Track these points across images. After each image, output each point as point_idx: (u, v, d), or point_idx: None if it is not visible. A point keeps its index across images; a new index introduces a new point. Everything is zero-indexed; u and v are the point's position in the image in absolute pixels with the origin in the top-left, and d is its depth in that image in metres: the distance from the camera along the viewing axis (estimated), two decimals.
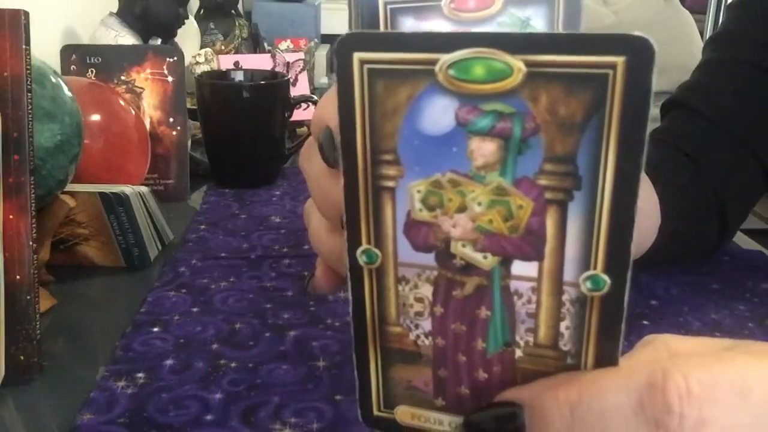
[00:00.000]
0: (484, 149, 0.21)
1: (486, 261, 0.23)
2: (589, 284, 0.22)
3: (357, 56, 0.22)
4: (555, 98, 0.20)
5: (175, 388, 0.44)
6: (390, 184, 0.23)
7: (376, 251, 0.24)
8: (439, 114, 0.21)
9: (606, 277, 0.22)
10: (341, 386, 0.44)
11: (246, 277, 0.59)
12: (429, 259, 0.24)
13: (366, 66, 0.22)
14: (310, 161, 0.31)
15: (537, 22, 0.29)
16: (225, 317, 0.53)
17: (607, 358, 0.23)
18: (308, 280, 0.35)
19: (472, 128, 0.21)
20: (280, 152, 0.87)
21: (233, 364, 0.46)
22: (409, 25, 0.29)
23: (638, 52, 0.19)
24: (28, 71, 0.46)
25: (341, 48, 0.22)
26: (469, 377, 0.25)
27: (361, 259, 0.24)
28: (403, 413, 0.27)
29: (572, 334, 0.23)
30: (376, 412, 0.27)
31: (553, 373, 0.24)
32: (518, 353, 0.24)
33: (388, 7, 0.30)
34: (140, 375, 0.45)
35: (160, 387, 0.44)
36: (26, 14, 0.46)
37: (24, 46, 0.45)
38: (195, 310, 0.54)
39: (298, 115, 0.89)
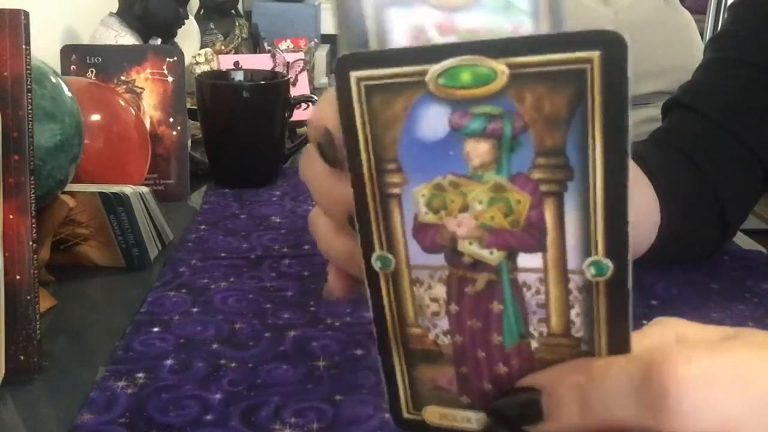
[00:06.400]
0: (479, 150, 0.23)
1: (492, 256, 0.24)
2: (592, 270, 0.23)
3: (354, 75, 0.23)
4: (539, 96, 0.21)
5: (175, 388, 0.44)
6: (396, 191, 0.24)
7: (390, 256, 0.25)
8: (433, 121, 0.23)
9: (608, 261, 0.22)
10: (341, 386, 0.44)
11: (246, 277, 0.59)
12: (439, 259, 0.25)
13: (363, 83, 0.23)
14: (312, 167, 0.31)
15: (520, 2, 0.29)
16: (225, 317, 0.53)
17: (619, 343, 0.24)
18: (321, 286, 0.35)
19: (465, 131, 0.22)
20: (280, 152, 0.86)
21: (233, 364, 0.46)
22: (393, 15, 0.29)
23: (611, 46, 0.20)
24: (28, 71, 0.46)
25: (339, 68, 0.23)
26: (490, 372, 0.26)
27: (377, 265, 0.25)
28: (432, 414, 0.27)
29: (583, 321, 0.24)
30: (405, 415, 0.28)
31: (569, 360, 0.24)
32: (534, 344, 0.25)
33: None
34: (140, 375, 0.45)
35: (160, 387, 0.44)
36: (26, 14, 0.46)
37: (24, 46, 0.45)
38: (195, 310, 0.54)
39: (298, 115, 0.89)
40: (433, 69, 0.22)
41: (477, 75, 0.21)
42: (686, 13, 1.58)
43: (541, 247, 0.23)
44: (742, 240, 0.68)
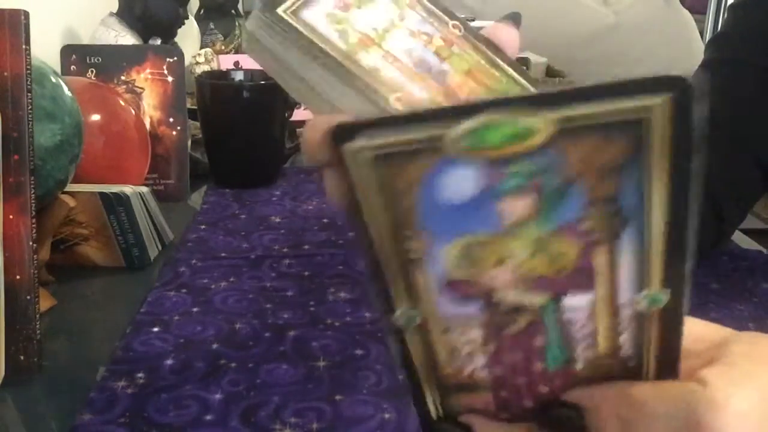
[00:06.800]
0: (516, 206, 0.20)
1: (535, 301, 0.23)
2: (647, 302, 0.22)
3: (349, 147, 0.20)
4: (590, 148, 0.19)
5: (175, 388, 0.44)
6: (417, 255, 0.22)
7: (414, 312, 0.23)
8: (459, 183, 0.20)
9: (664, 293, 0.21)
10: (341, 386, 0.44)
11: (246, 277, 0.59)
12: (473, 309, 0.23)
13: (362, 154, 0.20)
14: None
15: None
16: (225, 317, 0.53)
17: (668, 363, 0.23)
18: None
19: (499, 190, 0.20)
20: (280, 152, 0.86)
21: (233, 364, 0.46)
22: (307, 15, 0.26)
23: (676, 91, 0.18)
24: (28, 71, 0.46)
25: (331, 141, 0.20)
26: (531, 392, 0.25)
27: (400, 321, 0.24)
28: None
29: (632, 343, 0.23)
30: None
31: (613, 375, 0.24)
32: (579, 366, 0.24)
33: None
34: (140, 375, 0.45)
35: (160, 387, 0.44)
36: (26, 14, 0.46)
37: (24, 46, 0.45)
38: (195, 310, 0.54)
39: (298, 115, 0.89)
40: (454, 132, 0.19)
41: (510, 133, 0.19)
42: (686, 13, 1.58)
43: (590, 288, 0.22)
44: (741, 240, 0.68)
